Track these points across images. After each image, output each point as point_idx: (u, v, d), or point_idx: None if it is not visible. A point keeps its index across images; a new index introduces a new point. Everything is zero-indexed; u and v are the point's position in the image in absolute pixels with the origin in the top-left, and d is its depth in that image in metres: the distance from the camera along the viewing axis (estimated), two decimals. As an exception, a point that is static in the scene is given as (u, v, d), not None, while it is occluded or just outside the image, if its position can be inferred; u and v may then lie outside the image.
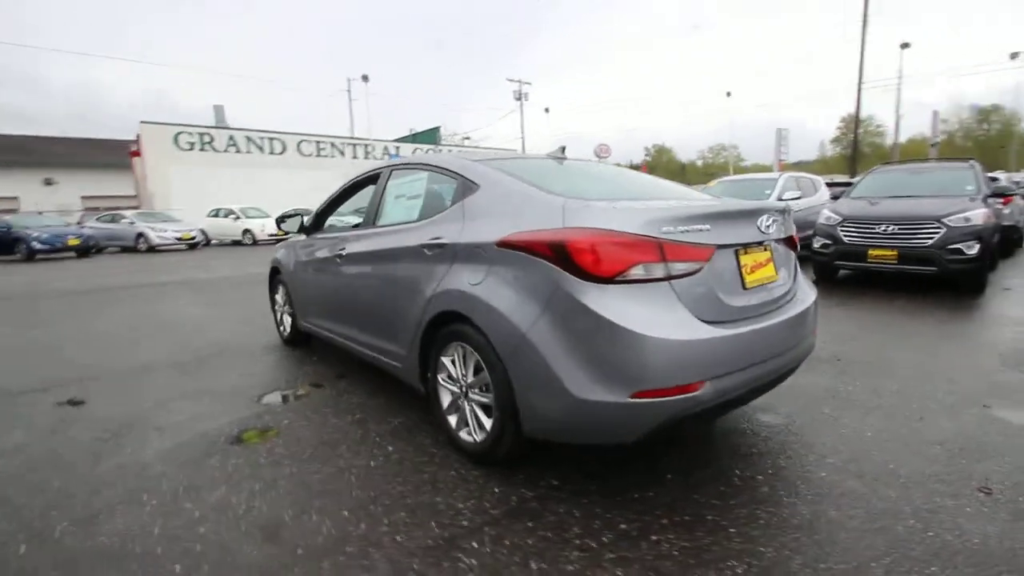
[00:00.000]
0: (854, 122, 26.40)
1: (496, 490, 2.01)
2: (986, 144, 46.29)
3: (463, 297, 2.09)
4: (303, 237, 3.91)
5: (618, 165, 4.36)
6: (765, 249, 2.09)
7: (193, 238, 17.30)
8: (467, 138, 47.21)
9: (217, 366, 3.82)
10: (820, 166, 55.06)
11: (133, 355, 4.18)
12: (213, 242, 19.90)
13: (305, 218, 3.97)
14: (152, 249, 16.53)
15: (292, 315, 4.13)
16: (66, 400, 3.19)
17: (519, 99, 39.89)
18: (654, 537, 1.69)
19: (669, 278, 1.73)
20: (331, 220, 3.94)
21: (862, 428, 2.46)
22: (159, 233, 16.56)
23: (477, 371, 2.15)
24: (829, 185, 10.14)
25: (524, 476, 2.10)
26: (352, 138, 29.09)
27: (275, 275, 4.43)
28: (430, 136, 34.84)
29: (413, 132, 38.48)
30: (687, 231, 1.79)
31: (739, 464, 2.16)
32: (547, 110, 41.79)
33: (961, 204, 5.68)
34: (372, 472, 2.19)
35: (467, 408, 2.22)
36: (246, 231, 19.30)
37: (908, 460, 2.15)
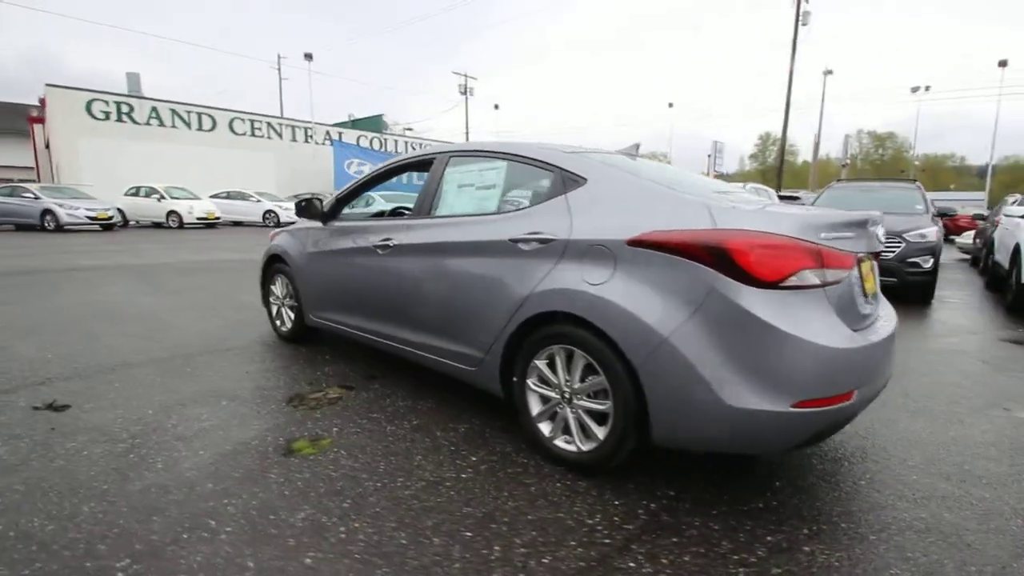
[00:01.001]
0: (776, 140, 28.58)
1: (616, 503, 1.90)
2: (882, 167, 51.79)
3: (579, 297, 1.95)
4: (317, 224, 3.56)
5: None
6: (871, 259, 2.14)
7: (110, 218, 15.53)
8: (409, 129, 46.16)
9: (212, 364, 3.40)
10: (740, 179, 59.17)
11: (100, 351, 3.63)
12: (131, 223, 18.01)
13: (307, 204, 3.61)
14: (60, 228, 14.64)
15: (297, 309, 3.76)
16: (44, 404, 2.69)
17: (464, 93, 39.50)
18: (806, 548, 1.66)
19: (824, 285, 1.71)
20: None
21: (917, 430, 2.60)
22: (69, 211, 14.68)
23: (584, 376, 2.03)
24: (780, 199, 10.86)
25: (635, 486, 2.01)
26: (291, 120, 27.36)
27: (271, 265, 4.02)
28: (374, 123, 33.61)
29: (352, 118, 36.97)
30: (838, 238, 1.78)
31: (835, 468, 2.20)
32: (497, 107, 41.39)
33: (917, 221, 6.25)
34: (469, 485, 2.01)
35: (569, 415, 2.09)
36: (171, 213, 17.65)
37: (976, 461, 2.28)
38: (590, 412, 2.03)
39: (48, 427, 2.45)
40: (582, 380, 2.04)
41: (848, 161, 31.79)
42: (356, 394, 2.94)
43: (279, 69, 38.76)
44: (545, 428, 2.18)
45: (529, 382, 2.22)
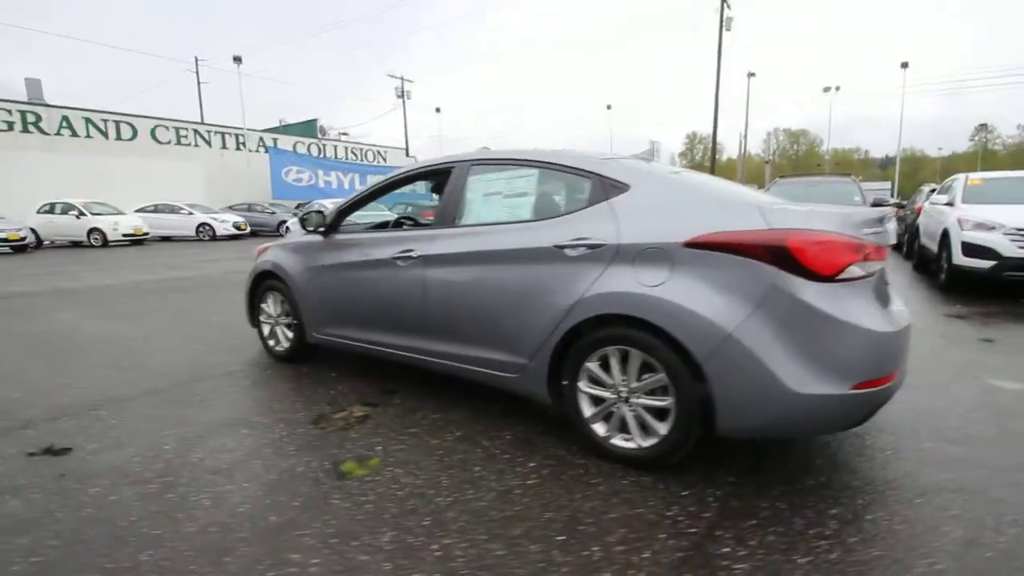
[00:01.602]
0: (702, 139, 30.21)
1: (684, 494, 1.99)
2: (798, 162, 55.91)
3: (636, 299, 2.03)
4: (316, 238, 3.43)
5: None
6: (880, 251, 2.35)
7: (23, 239, 14.09)
8: (345, 134, 44.94)
9: (214, 391, 3.21)
10: (674, 176, 61.98)
11: (78, 385, 3.33)
12: (46, 243, 16.42)
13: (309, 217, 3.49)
14: (-39, 252, 13.11)
15: (296, 326, 3.60)
16: (40, 449, 2.44)
17: (401, 96, 38.89)
18: (869, 516, 1.82)
19: (868, 276, 1.88)
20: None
21: (914, 402, 2.83)
22: (-27, 232, 13.18)
23: (640, 375, 2.11)
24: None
25: (697, 477, 2.10)
26: (221, 126, 25.85)
27: (261, 282, 3.83)
28: (308, 128, 32.44)
29: (283, 123, 35.49)
30: (873, 233, 1.95)
31: (861, 443, 2.39)
32: (438, 110, 41.25)
33: (859, 212, 6.84)
34: (540, 491, 2.03)
35: (627, 414, 2.16)
36: (93, 230, 16.21)
37: (971, 425, 2.55)
38: (649, 409, 2.11)
39: (56, 473, 2.23)
40: (638, 379, 2.11)
41: (771, 157, 34.17)
42: (383, 410, 2.87)
43: (196, 72, 36.51)
44: (600, 429, 2.24)
45: (580, 385, 2.26)
